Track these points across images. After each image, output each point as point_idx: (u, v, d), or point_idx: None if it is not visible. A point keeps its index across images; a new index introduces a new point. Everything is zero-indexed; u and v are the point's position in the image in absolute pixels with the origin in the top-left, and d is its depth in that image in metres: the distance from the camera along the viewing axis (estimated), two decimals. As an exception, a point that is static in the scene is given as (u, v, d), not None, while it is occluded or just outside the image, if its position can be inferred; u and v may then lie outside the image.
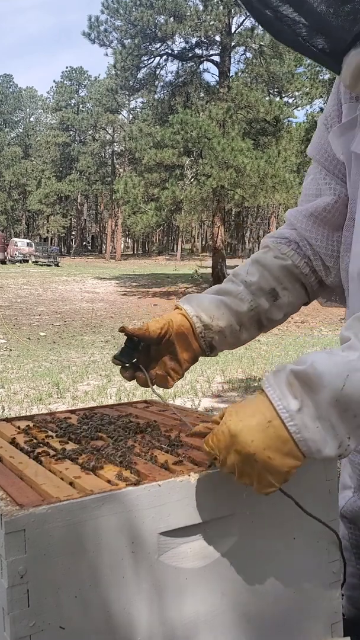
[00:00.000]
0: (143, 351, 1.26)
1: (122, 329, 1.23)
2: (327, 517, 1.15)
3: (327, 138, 1.26)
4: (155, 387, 1.28)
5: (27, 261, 39.50)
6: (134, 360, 1.27)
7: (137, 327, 1.22)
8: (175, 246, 61.22)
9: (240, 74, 25.23)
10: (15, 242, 42.84)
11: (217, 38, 24.26)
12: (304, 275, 1.33)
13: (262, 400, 0.90)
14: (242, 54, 25.59)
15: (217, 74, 24.38)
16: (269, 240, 1.38)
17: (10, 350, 9.35)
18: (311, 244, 1.32)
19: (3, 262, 37.66)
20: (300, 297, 1.37)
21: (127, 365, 1.27)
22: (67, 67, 74.42)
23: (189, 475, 1.00)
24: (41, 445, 1.22)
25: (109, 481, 0.99)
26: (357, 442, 0.87)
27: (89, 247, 73.17)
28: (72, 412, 1.54)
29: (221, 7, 22.33)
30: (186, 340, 1.25)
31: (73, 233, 70.70)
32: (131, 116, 56.53)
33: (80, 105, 67.58)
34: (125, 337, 1.24)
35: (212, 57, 25.04)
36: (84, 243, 72.29)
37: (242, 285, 1.29)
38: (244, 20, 23.29)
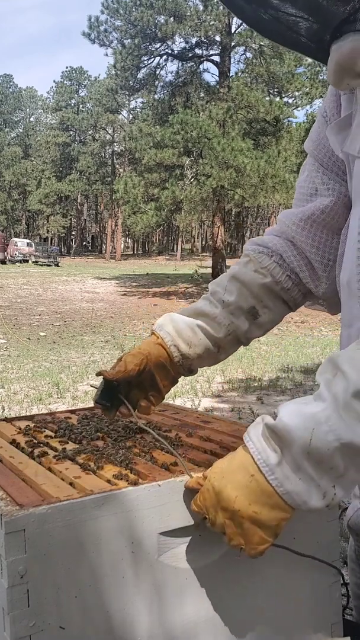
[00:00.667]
0: (122, 385, 1.22)
1: (100, 374, 1.20)
2: (327, 518, 1.15)
3: (326, 132, 1.16)
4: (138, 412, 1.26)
5: (27, 261, 39.50)
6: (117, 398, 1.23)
7: (115, 370, 1.18)
8: (175, 246, 61.24)
9: (240, 74, 25.23)
10: (15, 242, 42.84)
11: (217, 38, 24.27)
12: (285, 291, 1.27)
13: (243, 454, 0.90)
14: (242, 54, 25.61)
15: (217, 74, 24.40)
16: (251, 249, 1.31)
17: (10, 350, 9.36)
18: (304, 251, 1.24)
19: (3, 262, 37.67)
20: (281, 312, 1.30)
21: (108, 405, 1.23)
22: (67, 67, 74.51)
23: (189, 476, 1.00)
24: (41, 445, 1.22)
25: (108, 481, 0.99)
26: (344, 490, 0.85)
27: (89, 247, 73.19)
28: (72, 412, 1.54)
29: (221, 7, 22.31)
30: (165, 369, 1.23)
31: (73, 233, 70.72)
32: (131, 116, 56.55)
33: (80, 105, 67.60)
34: (102, 381, 1.21)
35: (212, 57, 25.05)
36: (84, 243, 72.31)
37: (219, 307, 1.25)
38: (244, 20, 23.20)
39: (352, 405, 0.78)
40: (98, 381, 1.25)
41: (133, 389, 1.23)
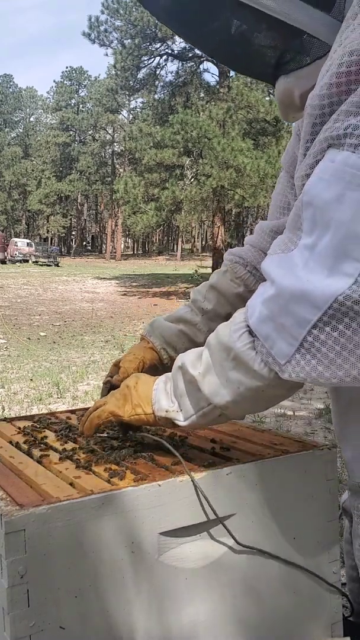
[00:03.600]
0: None
1: (108, 382, 1.37)
2: (327, 518, 1.15)
3: (296, 149, 1.25)
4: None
5: (27, 261, 39.47)
6: None
7: (120, 377, 1.33)
8: (175, 246, 61.24)
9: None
10: (16, 242, 42.80)
11: (217, 38, 24.12)
12: None
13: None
14: (242, 54, 25.45)
15: (217, 74, 24.36)
16: (228, 259, 1.45)
17: (10, 350, 9.36)
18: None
19: (3, 262, 37.63)
20: None
21: None
22: (67, 67, 74.52)
23: (189, 476, 1.00)
24: (41, 445, 1.22)
25: (108, 481, 0.99)
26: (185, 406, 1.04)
27: (89, 247, 73.16)
28: (72, 412, 1.55)
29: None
30: (157, 371, 1.35)
31: (73, 233, 70.69)
32: (131, 116, 56.52)
33: (80, 105, 67.55)
34: (108, 386, 1.36)
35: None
36: (84, 243, 72.28)
37: (199, 315, 1.40)
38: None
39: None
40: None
41: None
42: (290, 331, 0.86)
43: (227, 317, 1.40)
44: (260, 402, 0.99)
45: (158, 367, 1.39)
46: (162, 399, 1.06)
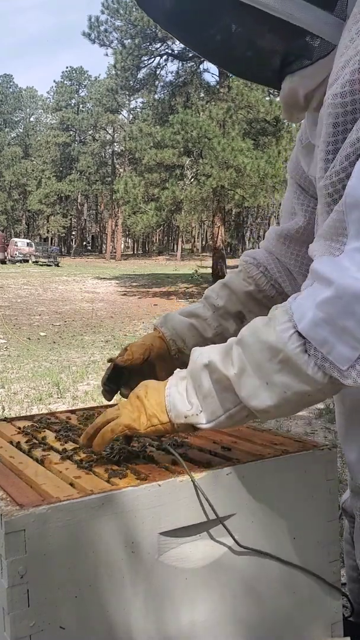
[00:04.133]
0: (126, 373, 1.37)
1: (111, 360, 1.37)
2: (327, 518, 1.15)
3: (298, 155, 1.28)
4: None
5: (27, 261, 39.46)
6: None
7: (124, 358, 1.34)
8: (175, 246, 61.21)
9: (240, 74, 25.07)
10: (16, 242, 42.78)
11: (218, 38, 24.11)
12: (268, 299, 1.40)
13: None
14: (242, 54, 25.45)
15: (217, 74, 24.35)
16: (243, 260, 1.46)
17: (10, 350, 9.36)
18: (285, 264, 1.39)
19: (3, 262, 37.61)
20: None
21: (114, 388, 1.39)
22: (67, 67, 74.50)
23: (190, 476, 1.00)
24: (41, 445, 1.22)
25: (108, 481, 0.99)
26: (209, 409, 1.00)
27: (89, 247, 73.14)
28: (72, 412, 1.55)
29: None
30: (164, 361, 1.37)
31: (73, 233, 70.67)
32: (131, 116, 56.49)
33: (81, 105, 67.54)
34: (111, 365, 1.37)
35: (212, 57, 24.89)
36: (84, 243, 72.27)
37: (210, 310, 1.41)
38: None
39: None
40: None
41: (134, 376, 1.35)
42: (353, 334, 0.83)
43: (236, 315, 1.41)
44: (299, 406, 0.95)
45: (165, 357, 1.38)
46: (178, 403, 1.01)
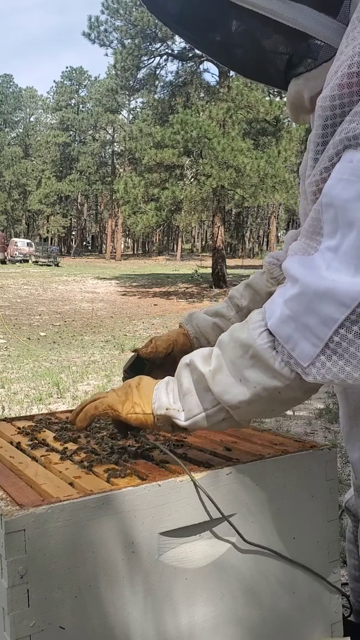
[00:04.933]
0: (147, 364, 1.40)
1: (136, 351, 1.40)
2: (327, 518, 1.15)
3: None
4: None
5: (27, 261, 39.47)
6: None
7: (148, 350, 1.38)
8: (175, 246, 61.20)
9: (240, 74, 25.04)
10: (16, 242, 42.79)
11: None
12: None
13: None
14: (242, 54, 25.41)
15: (217, 74, 24.35)
16: (267, 261, 1.48)
17: (10, 350, 9.36)
18: None
19: (3, 262, 37.61)
20: None
21: (132, 376, 1.38)
22: (67, 67, 74.56)
23: (189, 476, 1.00)
24: (41, 445, 1.22)
25: (108, 481, 0.99)
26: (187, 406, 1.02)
27: (89, 247, 73.16)
28: (72, 412, 1.54)
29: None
30: None
31: (73, 233, 70.66)
32: (131, 116, 56.52)
33: (80, 105, 67.57)
34: (134, 355, 1.40)
35: (212, 57, 24.86)
36: (84, 243, 72.27)
37: (234, 310, 1.44)
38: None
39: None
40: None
41: (156, 369, 1.38)
42: (314, 331, 0.84)
43: None
44: (274, 405, 0.96)
45: (188, 353, 1.41)
46: (163, 397, 1.04)
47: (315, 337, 0.84)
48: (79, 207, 69.87)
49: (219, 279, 21.93)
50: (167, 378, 1.09)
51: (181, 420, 1.01)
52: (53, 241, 65.74)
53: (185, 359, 1.04)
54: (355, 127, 0.82)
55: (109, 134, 63.47)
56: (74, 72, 67.79)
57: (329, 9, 0.95)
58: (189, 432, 1.09)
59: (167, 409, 1.02)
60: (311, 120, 1.13)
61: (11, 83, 72.98)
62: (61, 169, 66.14)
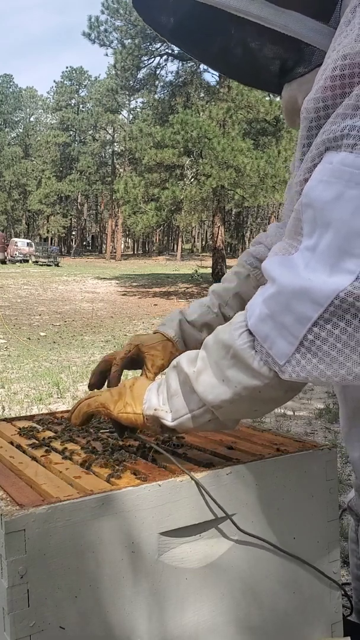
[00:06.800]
0: None
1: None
2: (327, 518, 1.15)
3: None
4: None
5: (27, 261, 39.48)
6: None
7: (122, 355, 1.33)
8: (175, 246, 61.23)
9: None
10: (16, 242, 42.80)
11: (218, 38, 24.10)
12: None
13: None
14: (242, 54, 25.42)
15: (218, 74, 24.36)
16: (249, 262, 1.43)
17: (10, 350, 9.36)
18: None
19: (3, 262, 37.61)
20: None
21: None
22: (67, 67, 74.59)
23: (189, 476, 1.00)
24: (41, 445, 1.22)
25: (108, 481, 0.99)
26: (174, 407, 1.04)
27: (89, 247, 73.19)
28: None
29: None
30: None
31: (73, 233, 70.67)
32: (131, 116, 56.54)
33: (81, 105, 67.60)
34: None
35: (212, 57, 24.84)
36: (84, 243, 72.29)
37: (223, 321, 1.37)
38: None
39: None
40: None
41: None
42: (290, 329, 0.85)
43: None
44: (255, 404, 0.97)
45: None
46: (153, 398, 1.06)
47: (291, 335, 0.85)
48: (79, 207, 69.89)
49: (219, 279, 21.88)
50: (160, 380, 1.10)
51: (168, 421, 1.03)
52: (53, 241, 65.75)
53: (174, 362, 1.06)
54: (336, 128, 0.83)
55: (109, 134, 63.50)
56: (74, 72, 67.82)
57: (320, 15, 0.96)
58: (179, 433, 1.09)
59: (155, 410, 1.04)
60: None
61: (11, 83, 73.01)
62: (61, 169, 66.17)
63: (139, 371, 1.35)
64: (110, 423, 1.19)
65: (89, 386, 1.34)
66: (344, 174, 0.81)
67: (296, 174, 0.96)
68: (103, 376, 1.34)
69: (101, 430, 1.30)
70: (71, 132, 66.85)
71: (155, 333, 1.39)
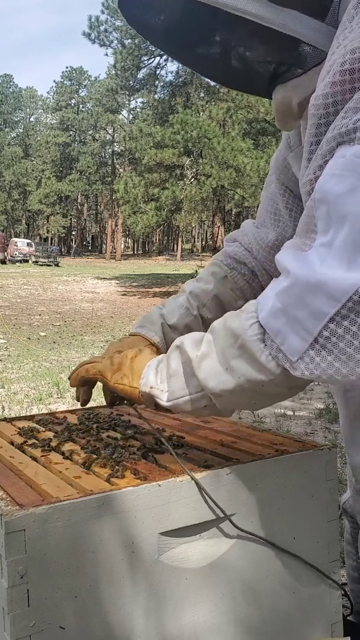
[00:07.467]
0: None
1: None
2: (327, 518, 1.15)
3: (288, 159, 1.26)
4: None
5: (27, 261, 39.48)
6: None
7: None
8: (175, 246, 61.21)
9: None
10: (16, 242, 42.80)
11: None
12: None
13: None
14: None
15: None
16: (225, 263, 1.40)
17: (10, 350, 9.36)
18: (273, 274, 1.35)
19: (3, 262, 37.60)
20: None
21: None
22: (67, 67, 74.62)
23: (190, 476, 1.00)
24: (41, 445, 1.22)
25: (108, 481, 0.99)
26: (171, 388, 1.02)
27: (89, 247, 73.19)
28: (72, 412, 1.55)
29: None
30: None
31: (73, 233, 70.68)
32: (131, 116, 56.57)
33: (80, 105, 67.60)
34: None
35: (212, 57, 24.84)
36: (84, 243, 72.28)
37: (201, 324, 1.35)
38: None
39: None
40: None
41: None
42: (304, 325, 0.82)
43: None
44: (256, 398, 0.95)
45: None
46: (151, 375, 1.04)
47: (304, 331, 0.82)
48: (79, 207, 69.89)
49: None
50: (160, 356, 1.08)
51: (163, 401, 1.01)
52: (53, 241, 65.74)
53: (177, 341, 1.03)
54: (348, 122, 0.81)
55: (109, 134, 63.50)
56: (74, 72, 67.82)
57: (317, 13, 0.94)
58: (173, 413, 1.06)
59: (151, 387, 1.03)
60: (301, 126, 1.12)
61: (11, 83, 73.00)
62: (61, 169, 66.17)
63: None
64: (103, 390, 1.18)
65: (81, 403, 1.31)
66: (357, 167, 0.79)
67: (304, 173, 0.94)
68: (90, 388, 1.28)
69: (101, 433, 1.30)
70: (71, 132, 66.85)
71: (134, 335, 1.33)
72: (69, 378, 1.22)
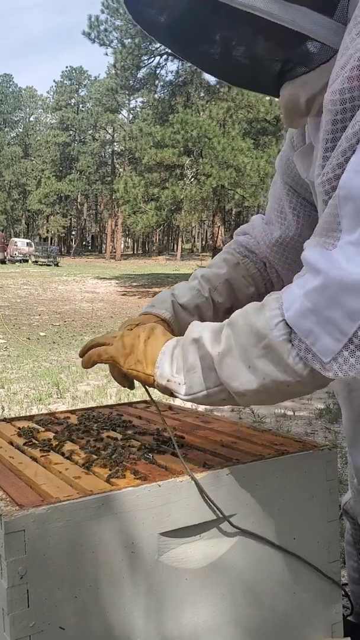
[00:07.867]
0: None
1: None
2: (327, 518, 1.15)
3: (293, 158, 1.25)
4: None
5: (27, 261, 39.47)
6: None
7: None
8: (175, 246, 61.21)
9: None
10: (15, 242, 42.78)
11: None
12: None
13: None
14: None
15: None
16: (238, 251, 1.41)
17: (10, 350, 9.36)
18: (277, 270, 1.37)
19: (3, 262, 37.58)
20: None
21: None
22: (67, 67, 74.62)
23: (190, 476, 1.00)
24: (41, 445, 1.22)
25: (108, 481, 0.99)
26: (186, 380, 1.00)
27: (89, 247, 73.20)
28: (72, 412, 1.55)
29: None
30: None
31: (73, 233, 70.66)
32: (131, 116, 56.55)
33: (80, 105, 67.59)
34: None
35: (212, 57, 24.82)
36: (84, 243, 72.30)
37: (211, 307, 1.36)
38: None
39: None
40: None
41: None
42: (338, 325, 0.80)
43: (230, 310, 1.32)
44: (279, 396, 0.94)
45: None
46: (166, 365, 1.02)
47: (338, 331, 0.81)
48: (78, 207, 69.88)
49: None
50: (174, 341, 1.05)
51: (181, 394, 1.00)
52: (53, 241, 65.71)
53: (193, 333, 1.00)
54: None
55: (109, 134, 63.48)
56: (73, 71, 67.79)
57: (326, 9, 0.93)
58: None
59: (168, 381, 1.01)
60: (309, 123, 1.12)
61: (11, 83, 72.96)
62: (61, 168, 66.15)
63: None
64: (113, 372, 1.16)
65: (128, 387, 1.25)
66: None
67: (320, 172, 0.92)
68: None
69: (101, 433, 1.30)
70: (71, 132, 66.84)
71: (145, 314, 1.32)
72: (80, 356, 1.20)
